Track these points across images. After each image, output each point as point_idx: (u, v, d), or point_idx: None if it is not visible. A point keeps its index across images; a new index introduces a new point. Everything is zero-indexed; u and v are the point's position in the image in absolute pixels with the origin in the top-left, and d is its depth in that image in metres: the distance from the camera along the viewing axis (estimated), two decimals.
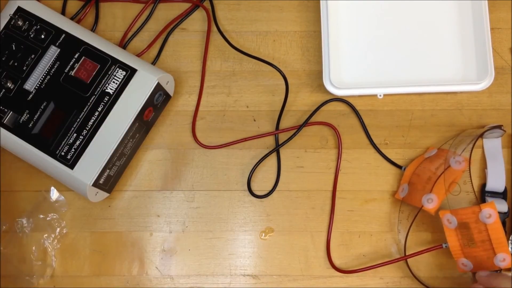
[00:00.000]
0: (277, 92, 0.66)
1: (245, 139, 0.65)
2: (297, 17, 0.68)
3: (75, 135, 0.57)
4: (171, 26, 0.68)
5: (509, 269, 0.60)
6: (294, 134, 0.64)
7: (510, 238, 0.61)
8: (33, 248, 0.63)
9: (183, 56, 0.68)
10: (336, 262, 0.63)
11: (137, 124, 0.59)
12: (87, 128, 0.57)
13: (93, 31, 0.67)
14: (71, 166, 0.57)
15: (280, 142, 0.65)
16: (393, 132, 0.66)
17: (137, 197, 0.65)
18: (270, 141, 0.65)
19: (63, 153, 0.57)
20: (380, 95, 0.65)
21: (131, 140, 0.60)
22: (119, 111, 0.58)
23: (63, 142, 0.57)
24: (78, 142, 0.57)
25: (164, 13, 0.69)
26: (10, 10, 0.61)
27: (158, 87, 0.59)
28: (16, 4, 0.61)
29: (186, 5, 0.68)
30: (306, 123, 0.65)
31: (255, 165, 0.64)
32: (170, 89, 0.63)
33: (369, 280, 0.62)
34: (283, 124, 0.66)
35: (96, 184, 0.57)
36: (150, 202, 0.65)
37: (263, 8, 0.69)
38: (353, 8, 0.68)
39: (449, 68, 0.67)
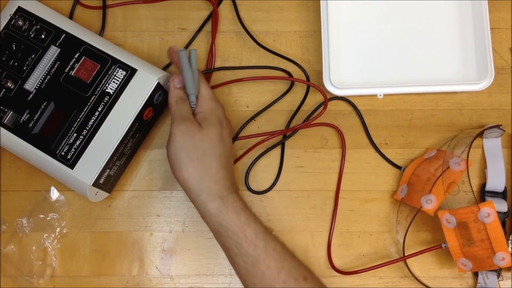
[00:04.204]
0: (277, 92, 0.66)
1: (266, 134, 0.65)
2: (297, 17, 0.68)
3: (75, 135, 0.57)
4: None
5: (508, 268, 0.61)
6: (297, 130, 0.65)
7: (510, 238, 0.61)
8: (33, 248, 0.63)
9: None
10: (336, 262, 0.63)
11: (137, 124, 0.59)
12: (87, 128, 0.57)
13: (101, 36, 0.67)
14: (71, 166, 0.57)
15: (284, 142, 0.65)
16: (393, 132, 0.66)
17: (137, 197, 0.65)
18: (269, 141, 0.65)
19: (63, 153, 0.57)
20: (380, 95, 0.65)
21: (131, 140, 0.60)
22: (119, 111, 0.58)
23: (63, 142, 0.57)
24: (78, 142, 0.57)
25: (164, 13, 0.69)
26: (10, 10, 0.61)
27: (158, 87, 0.59)
28: (17, 4, 0.61)
29: (186, 4, 0.68)
30: (307, 120, 0.65)
31: (255, 159, 0.65)
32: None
33: (368, 280, 0.62)
34: (283, 124, 0.66)
35: (96, 184, 0.57)
36: (150, 202, 0.65)
37: (263, 8, 0.69)
38: (353, 8, 0.68)
39: (449, 68, 0.67)
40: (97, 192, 0.59)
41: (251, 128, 0.66)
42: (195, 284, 0.63)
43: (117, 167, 0.61)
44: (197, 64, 0.57)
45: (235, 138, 0.65)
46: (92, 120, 0.58)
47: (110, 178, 0.60)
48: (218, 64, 0.67)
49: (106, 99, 0.58)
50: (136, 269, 0.63)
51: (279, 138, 0.66)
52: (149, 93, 0.58)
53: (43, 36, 0.60)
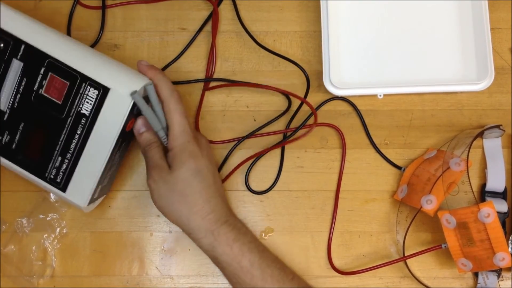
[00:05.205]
0: (277, 92, 0.66)
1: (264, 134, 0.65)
2: (297, 17, 0.68)
3: (60, 158, 0.55)
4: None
5: (509, 268, 0.61)
6: (297, 129, 0.64)
7: (510, 238, 0.61)
8: (33, 248, 0.63)
9: (183, 56, 0.67)
10: (336, 262, 0.63)
11: (121, 139, 0.55)
12: (71, 152, 0.54)
13: (99, 38, 0.67)
14: (63, 189, 0.55)
15: (284, 142, 0.65)
16: (393, 132, 0.66)
17: (137, 197, 0.65)
18: (269, 141, 0.65)
19: (52, 176, 0.55)
20: (380, 95, 0.65)
21: (118, 151, 0.57)
22: (100, 133, 0.54)
23: (50, 165, 0.55)
24: (64, 166, 0.55)
25: (164, 13, 0.69)
26: None
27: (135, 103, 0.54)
28: None
29: (186, 4, 0.68)
30: (307, 119, 0.65)
31: (255, 159, 0.65)
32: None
33: (368, 280, 0.62)
34: (282, 125, 0.66)
35: (91, 201, 0.57)
36: (150, 202, 0.64)
37: (263, 8, 0.68)
38: (353, 8, 0.68)
39: (449, 68, 0.67)
40: (94, 203, 0.59)
41: (252, 129, 0.66)
42: (195, 284, 0.63)
43: (108, 177, 0.59)
44: (156, 98, 0.54)
45: (226, 158, 0.65)
46: (73, 143, 0.54)
47: (104, 189, 0.60)
48: (218, 64, 0.67)
49: (83, 121, 0.53)
50: (136, 269, 0.63)
51: (279, 138, 0.66)
52: (128, 112, 0.53)
53: (1, 46, 0.53)
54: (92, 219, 0.64)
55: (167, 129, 0.55)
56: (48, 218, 0.63)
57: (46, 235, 0.63)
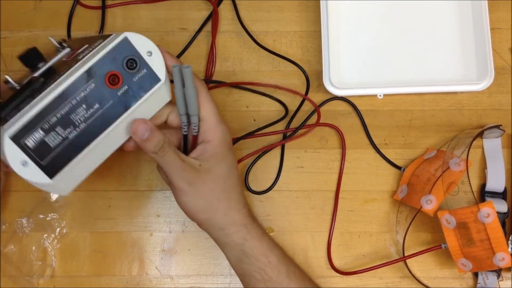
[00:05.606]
0: (277, 92, 0.66)
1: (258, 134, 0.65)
2: (297, 17, 0.68)
3: (28, 99, 0.46)
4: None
5: (508, 269, 0.61)
6: (297, 129, 0.65)
7: (510, 238, 0.61)
8: (33, 248, 0.63)
9: (183, 56, 0.68)
10: (336, 262, 0.63)
11: (92, 84, 0.46)
12: (40, 91, 0.46)
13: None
14: None
15: (284, 140, 0.65)
16: (393, 132, 0.66)
17: (137, 197, 0.65)
18: (269, 141, 0.65)
19: (7, 117, 0.46)
20: (380, 95, 0.65)
21: (83, 106, 0.46)
22: (74, 69, 0.46)
23: (12, 107, 0.46)
24: (23, 103, 0.46)
25: (164, 13, 0.69)
26: None
27: (129, 48, 0.47)
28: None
29: (186, 4, 0.68)
30: (307, 119, 0.65)
31: (255, 159, 0.65)
32: (156, 66, 0.49)
33: (368, 280, 0.62)
34: (283, 125, 0.66)
35: (19, 141, 0.44)
36: (150, 202, 0.65)
37: (263, 8, 0.68)
38: (353, 8, 0.68)
39: (449, 68, 0.67)
40: (25, 162, 0.45)
41: (252, 129, 0.66)
42: (195, 284, 0.63)
43: (60, 138, 0.46)
44: (193, 82, 0.50)
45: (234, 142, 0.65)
46: (49, 84, 0.47)
47: (49, 151, 0.46)
48: (218, 64, 0.67)
49: (72, 64, 0.48)
50: (136, 269, 0.63)
51: (278, 138, 0.66)
52: (111, 47, 0.47)
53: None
54: (92, 219, 0.64)
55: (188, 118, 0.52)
56: (48, 218, 0.64)
57: (46, 235, 0.63)
